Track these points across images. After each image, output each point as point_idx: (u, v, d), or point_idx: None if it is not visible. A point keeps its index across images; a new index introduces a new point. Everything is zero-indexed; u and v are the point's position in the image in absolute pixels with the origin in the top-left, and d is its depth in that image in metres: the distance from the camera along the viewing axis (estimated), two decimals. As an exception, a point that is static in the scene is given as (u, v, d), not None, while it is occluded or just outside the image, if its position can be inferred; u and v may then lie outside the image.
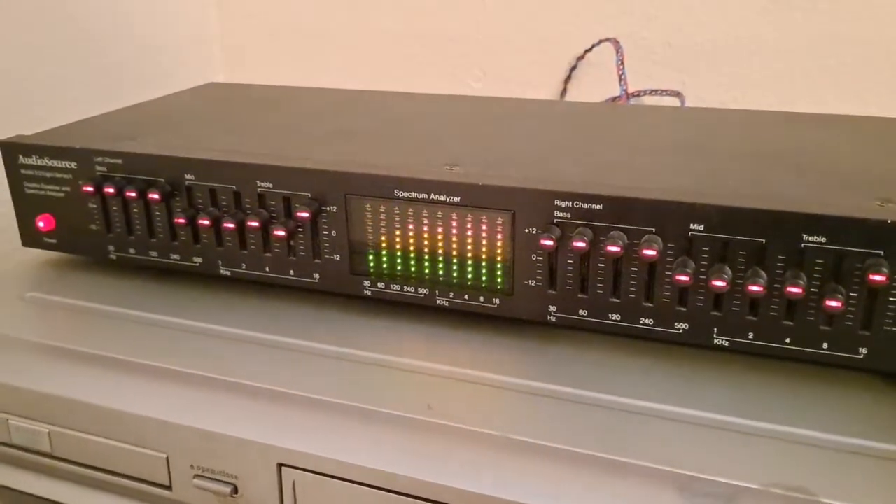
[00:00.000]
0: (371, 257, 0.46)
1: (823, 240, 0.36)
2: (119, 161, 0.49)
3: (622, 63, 0.81)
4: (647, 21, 0.82)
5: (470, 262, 0.44)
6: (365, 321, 0.47)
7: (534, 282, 0.42)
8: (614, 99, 0.83)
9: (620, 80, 0.81)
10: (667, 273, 0.39)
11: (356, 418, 0.39)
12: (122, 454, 0.42)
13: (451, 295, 0.45)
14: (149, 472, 0.41)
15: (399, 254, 0.45)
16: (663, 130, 0.56)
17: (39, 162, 0.51)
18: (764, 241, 0.37)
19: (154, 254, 0.50)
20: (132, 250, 0.51)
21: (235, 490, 0.39)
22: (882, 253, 0.36)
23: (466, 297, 0.44)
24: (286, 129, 0.56)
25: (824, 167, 0.45)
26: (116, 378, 0.43)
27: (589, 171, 0.45)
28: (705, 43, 0.81)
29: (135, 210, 0.50)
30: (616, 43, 0.82)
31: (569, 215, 0.40)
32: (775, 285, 0.38)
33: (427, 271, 0.45)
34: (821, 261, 0.37)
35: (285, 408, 0.40)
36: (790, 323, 0.38)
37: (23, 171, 0.52)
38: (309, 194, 0.45)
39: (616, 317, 0.41)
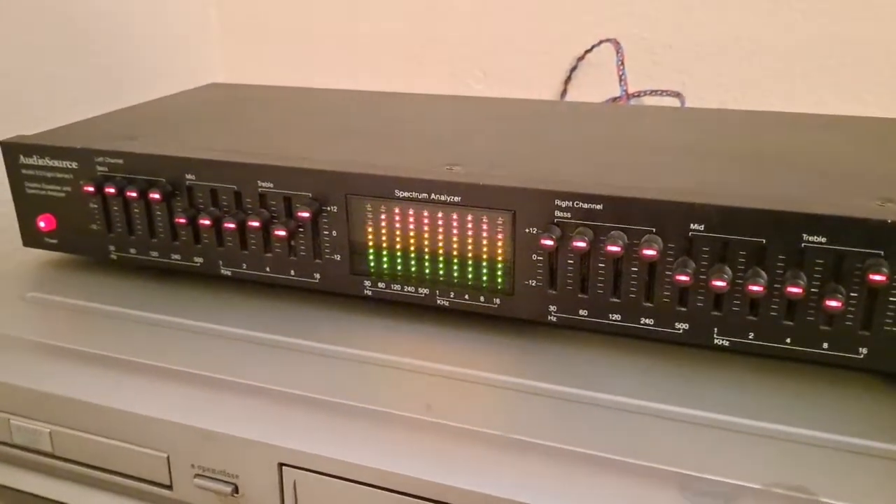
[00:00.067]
0: (371, 257, 0.46)
1: (823, 240, 0.36)
2: (120, 161, 0.49)
3: (622, 63, 0.82)
4: (647, 21, 0.82)
5: (470, 262, 0.44)
6: (365, 321, 0.47)
7: (534, 282, 0.42)
8: (614, 99, 0.83)
9: (620, 80, 0.82)
10: (667, 273, 0.40)
11: (357, 418, 0.39)
12: (122, 454, 0.42)
13: (452, 295, 0.45)
14: (150, 471, 0.41)
15: (399, 254, 0.45)
16: (663, 131, 0.56)
17: (40, 162, 0.51)
18: (764, 241, 0.37)
19: (155, 254, 0.50)
20: (133, 250, 0.51)
21: (236, 490, 0.39)
22: (882, 253, 0.36)
23: (467, 296, 0.44)
24: (287, 129, 0.56)
25: (824, 167, 0.45)
26: (117, 378, 0.43)
27: (589, 171, 0.45)
28: (705, 43, 0.81)
29: (136, 210, 0.50)
30: (616, 43, 0.82)
31: (569, 215, 0.40)
32: (775, 285, 0.38)
33: (427, 271, 0.45)
34: (821, 261, 0.37)
35: (286, 407, 0.40)
36: (790, 323, 0.38)
37: (24, 171, 0.52)
38: (310, 194, 0.45)
39: (616, 317, 0.41)
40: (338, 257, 0.46)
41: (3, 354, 0.46)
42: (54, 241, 0.53)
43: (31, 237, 0.53)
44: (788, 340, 0.39)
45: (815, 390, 0.39)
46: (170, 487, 0.41)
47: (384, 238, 0.45)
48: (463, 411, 0.38)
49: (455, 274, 0.44)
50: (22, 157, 0.51)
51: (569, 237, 0.40)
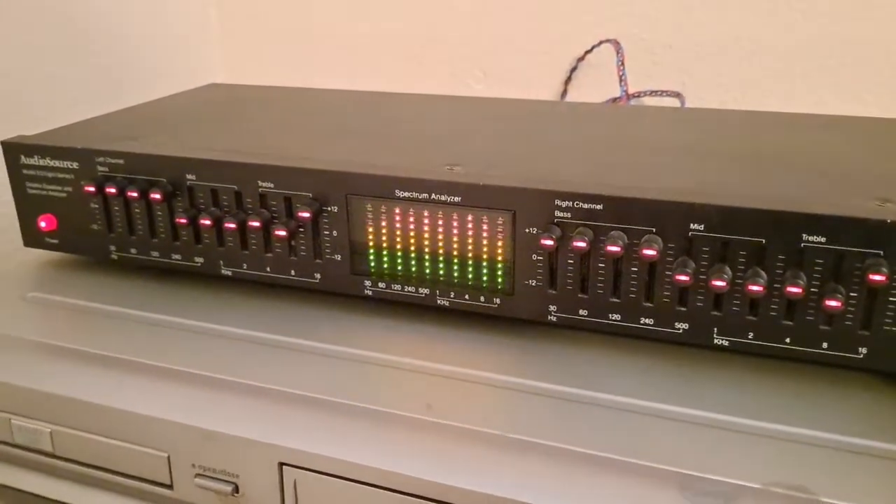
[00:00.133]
0: (372, 257, 0.46)
1: (823, 240, 0.36)
2: (121, 161, 0.49)
3: (622, 64, 0.82)
4: (647, 21, 0.82)
5: (470, 262, 0.44)
6: (366, 321, 0.47)
7: (534, 282, 0.42)
8: (615, 100, 0.83)
9: (621, 80, 0.82)
10: (667, 273, 0.40)
11: (357, 417, 0.39)
12: (123, 453, 0.42)
13: (452, 295, 0.45)
14: (150, 471, 0.41)
15: (400, 254, 0.45)
16: (663, 131, 0.56)
17: (41, 162, 0.51)
18: (764, 241, 0.37)
19: (155, 254, 0.50)
20: (134, 250, 0.51)
21: (237, 489, 0.39)
22: (881, 253, 0.36)
23: (467, 296, 0.44)
24: (287, 129, 0.56)
25: (824, 167, 0.45)
26: (118, 377, 0.43)
27: (589, 171, 0.45)
28: (705, 43, 0.81)
29: (136, 210, 0.50)
30: (616, 44, 0.82)
31: (569, 215, 0.40)
32: (775, 285, 0.38)
33: (428, 271, 0.45)
34: (820, 261, 0.37)
35: (286, 407, 0.40)
36: (790, 323, 0.38)
37: (24, 172, 0.52)
38: (310, 194, 0.45)
39: (616, 317, 0.41)
40: (338, 257, 0.46)
41: (3, 354, 0.46)
42: (55, 241, 0.53)
43: (31, 237, 0.54)
44: (788, 340, 0.39)
45: (814, 390, 0.39)
46: (170, 487, 0.41)
47: (384, 238, 0.45)
48: (463, 411, 0.38)
49: (455, 274, 0.44)
50: (23, 157, 0.51)
51: (569, 237, 0.40)
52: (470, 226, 0.43)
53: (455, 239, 0.44)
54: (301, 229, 0.46)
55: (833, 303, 0.36)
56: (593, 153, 0.50)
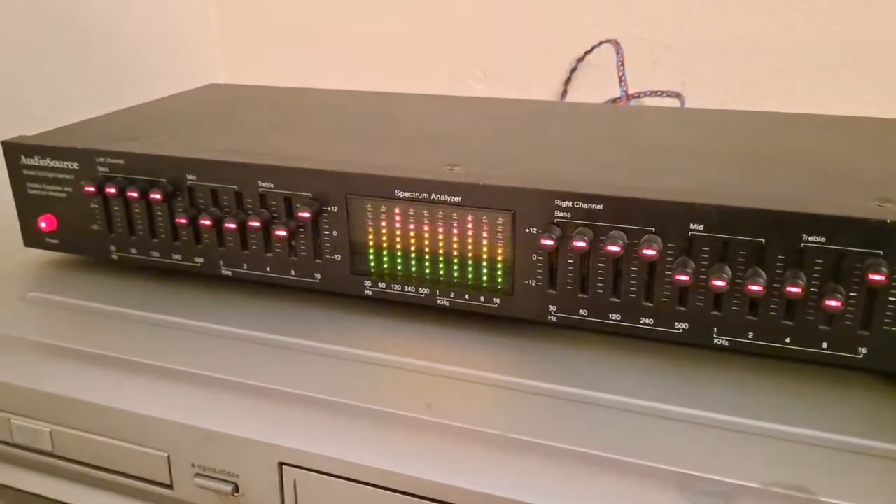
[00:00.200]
0: (372, 257, 0.46)
1: (823, 240, 0.36)
2: (121, 161, 0.49)
3: (622, 64, 0.82)
4: (647, 22, 0.82)
5: (470, 262, 0.44)
6: (366, 321, 0.47)
7: (534, 281, 0.42)
8: (615, 100, 0.83)
9: (621, 81, 0.82)
10: (667, 273, 0.40)
11: (357, 417, 0.39)
12: (123, 453, 0.42)
13: (452, 295, 0.45)
14: (150, 470, 0.42)
15: (400, 254, 0.45)
16: (663, 131, 0.56)
17: (41, 162, 0.51)
18: (763, 240, 0.37)
19: (156, 254, 0.51)
20: (134, 250, 0.51)
21: (237, 489, 0.39)
22: (881, 253, 0.36)
23: (467, 296, 0.44)
24: (287, 129, 0.56)
25: (824, 167, 0.45)
26: (118, 377, 0.43)
27: (589, 171, 0.46)
28: (705, 43, 0.81)
29: (136, 210, 0.50)
30: (616, 44, 0.82)
31: (569, 215, 0.40)
32: (775, 285, 0.38)
33: (428, 271, 0.45)
34: (820, 260, 0.37)
35: (286, 407, 0.40)
36: (790, 323, 0.38)
37: (25, 172, 0.52)
38: (310, 194, 0.45)
39: (616, 316, 0.41)
40: (338, 257, 0.46)
41: (3, 354, 0.46)
42: (55, 241, 0.53)
43: (32, 237, 0.54)
44: (788, 340, 0.39)
45: (814, 390, 0.39)
46: (170, 487, 0.41)
47: (384, 238, 0.45)
48: (463, 411, 0.38)
49: (455, 274, 0.44)
50: (23, 157, 0.51)
51: (569, 237, 0.40)
52: (470, 226, 0.43)
53: (455, 239, 0.44)
54: (301, 229, 0.46)
55: (833, 303, 0.36)
56: (593, 153, 0.50)
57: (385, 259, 0.45)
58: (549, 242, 0.40)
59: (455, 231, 0.43)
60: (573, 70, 0.86)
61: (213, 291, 0.51)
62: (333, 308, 0.48)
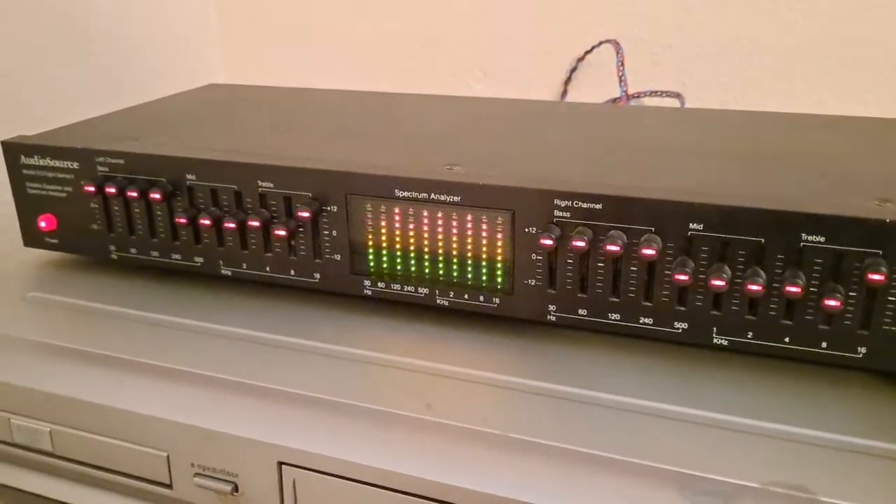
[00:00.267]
0: (371, 257, 0.46)
1: (822, 239, 0.36)
2: (121, 161, 0.49)
3: (622, 64, 0.82)
4: (647, 22, 0.82)
5: (470, 261, 0.44)
6: (365, 321, 0.47)
7: (534, 281, 0.42)
8: (614, 100, 0.83)
9: (620, 81, 0.82)
10: (666, 273, 0.40)
11: (357, 417, 0.39)
12: (123, 453, 0.42)
13: (452, 294, 0.45)
14: (150, 470, 0.42)
15: (399, 253, 0.45)
16: (663, 131, 0.56)
17: (41, 162, 0.51)
18: (763, 240, 0.37)
19: (155, 254, 0.51)
20: (133, 250, 0.51)
21: (236, 488, 0.39)
22: (881, 252, 0.36)
23: (466, 296, 0.44)
24: (287, 129, 0.56)
25: (824, 167, 0.45)
26: (117, 377, 0.43)
27: (589, 171, 0.46)
28: (705, 43, 0.81)
29: (136, 210, 0.50)
30: (616, 44, 0.82)
31: (568, 215, 0.40)
32: (774, 285, 0.38)
33: (427, 271, 0.45)
34: (820, 260, 0.37)
35: (286, 406, 0.40)
36: (789, 322, 0.38)
37: (25, 172, 0.52)
38: (310, 194, 0.45)
39: (616, 316, 0.41)
40: (338, 257, 0.46)
41: (3, 354, 0.46)
42: (55, 240, 0.53)
43: (31, 237, 0.54)
44: (787, 340, 0.39)
45: (814, 390, 0.39)
46: (170, 486, 0.41)
47: (384, 238, 0.45)
48: (463, 411, 0.38)
49: (455, 274, 0.44)
50: (23, 157, 0.51)
51: (568, 237, 0.40)
52: (469, 225, 0.43)
53: (454, 239, 0.44)
54: (301, 229, 0.46)
55: (832, 302, 0.36)
56: (593, 153, 0.50)
57: (385, 259, 0.46)
58: (549, 242, 0.40)
59: (454, 231, 0.43)
60: (573, 70, 0.86)
61: (212, 291, 0.51)
62: (333, 308, 0.48)
